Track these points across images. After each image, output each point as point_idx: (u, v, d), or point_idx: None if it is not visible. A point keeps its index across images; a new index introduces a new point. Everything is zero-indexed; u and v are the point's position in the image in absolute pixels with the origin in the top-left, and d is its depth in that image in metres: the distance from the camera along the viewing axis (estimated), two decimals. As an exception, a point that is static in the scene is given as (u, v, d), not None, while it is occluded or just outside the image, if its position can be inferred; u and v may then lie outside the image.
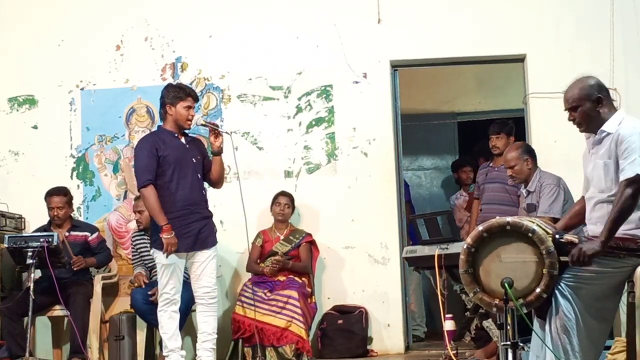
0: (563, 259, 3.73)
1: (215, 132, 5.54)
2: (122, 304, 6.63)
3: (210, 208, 5.67)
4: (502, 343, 3.96)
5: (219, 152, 5.52)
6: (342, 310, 6.67)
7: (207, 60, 7.11)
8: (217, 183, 5.71)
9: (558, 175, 5.62)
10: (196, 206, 5.47)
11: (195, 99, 5.60)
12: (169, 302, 5.46)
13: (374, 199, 6.83)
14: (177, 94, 5.51)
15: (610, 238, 3.68)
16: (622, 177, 3.73)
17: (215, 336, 5.57)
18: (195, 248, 5.47)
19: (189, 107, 5.49)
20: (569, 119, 3.99)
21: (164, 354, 5.53)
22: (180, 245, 5.40)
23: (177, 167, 5.44)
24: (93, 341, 6.27)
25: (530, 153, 5.66)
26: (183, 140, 5.56)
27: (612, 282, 3.77)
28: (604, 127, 3.88)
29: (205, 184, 5.69)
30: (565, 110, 4.00)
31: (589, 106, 3.91)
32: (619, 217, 3.69)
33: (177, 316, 5.51)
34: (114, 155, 7.13)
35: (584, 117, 3.92)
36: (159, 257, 5.45)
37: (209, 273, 5.49)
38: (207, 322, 5.52)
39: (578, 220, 4.11)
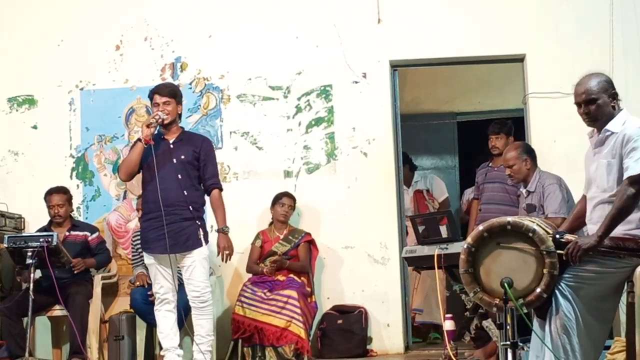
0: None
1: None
2: (122, 304, 6.65)
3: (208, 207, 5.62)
4: (501, 343, 3.97)
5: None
6: (341, 310, 6.67)
7: (207, 60, 7.11)
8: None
9: (558, 175, 5.63)
10: (174, 207, 5.36)
11: (161, 93, 5.46)
12: (160, 301, 5.46)
13: (373, 199, 6.83)
14: (149, 96, 5.57)
15: (607, 234, 3.69)
16: (626, 174, 3.73)
17: (210, 338, 5.51)
18: (175, 250, 5.36)
19: (156, 105, 5.47)
20: (584, 112, 3.92)
21: (161, 353, 5.54)
22: (156, 246, 5.38)
23: (155, 168, 5.38)
24: (92, 341, 6.26)
25: (530, 153, 5.65)
26: (171, 140, 5.51)
27: (612, 282, 3.77)
28: (608, 127, 3.88)
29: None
30: (580, 103, 3.93)
31: (607, 100, 3.89)
32: (619, 215, 3.70)
33: (172, 315, 5.48)
34: (113, 155, 7.13)
35: (600, 111, 3.90)
36: (145, 257, 5.53)
37: (196, 277, 5.39)
38: (200, 324, 5.46)
39: (580, 222, 4.10)
